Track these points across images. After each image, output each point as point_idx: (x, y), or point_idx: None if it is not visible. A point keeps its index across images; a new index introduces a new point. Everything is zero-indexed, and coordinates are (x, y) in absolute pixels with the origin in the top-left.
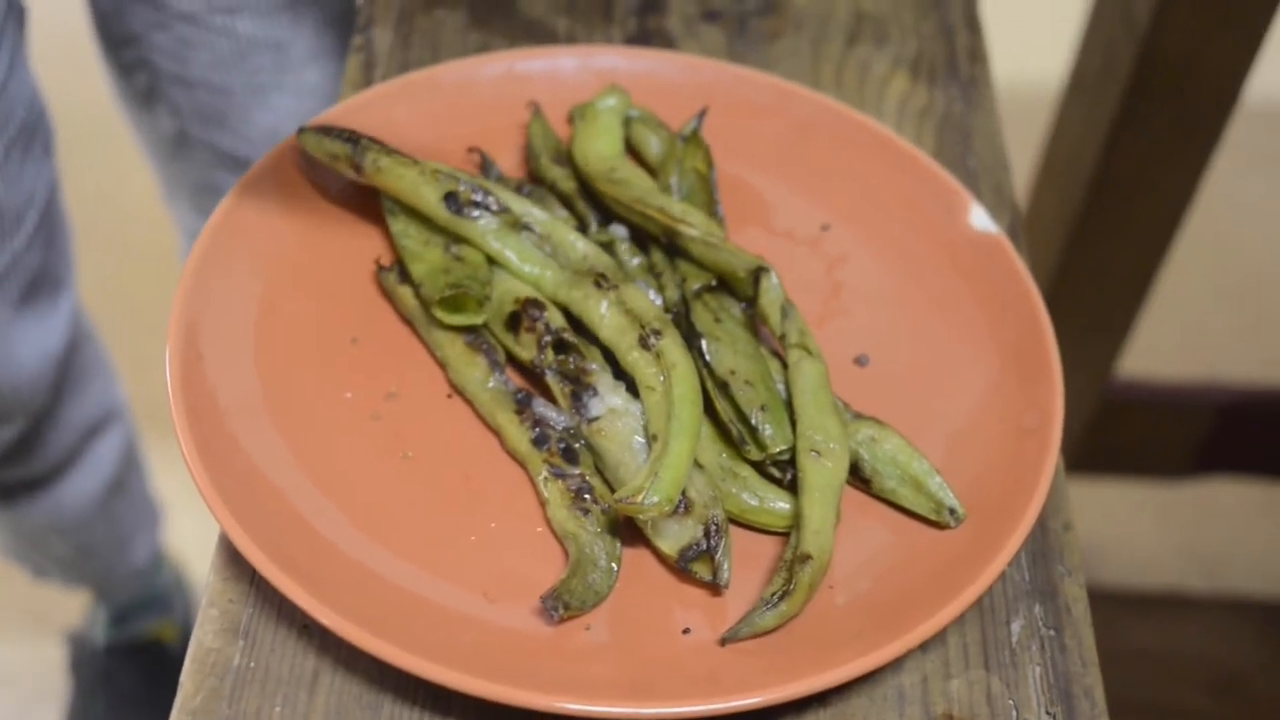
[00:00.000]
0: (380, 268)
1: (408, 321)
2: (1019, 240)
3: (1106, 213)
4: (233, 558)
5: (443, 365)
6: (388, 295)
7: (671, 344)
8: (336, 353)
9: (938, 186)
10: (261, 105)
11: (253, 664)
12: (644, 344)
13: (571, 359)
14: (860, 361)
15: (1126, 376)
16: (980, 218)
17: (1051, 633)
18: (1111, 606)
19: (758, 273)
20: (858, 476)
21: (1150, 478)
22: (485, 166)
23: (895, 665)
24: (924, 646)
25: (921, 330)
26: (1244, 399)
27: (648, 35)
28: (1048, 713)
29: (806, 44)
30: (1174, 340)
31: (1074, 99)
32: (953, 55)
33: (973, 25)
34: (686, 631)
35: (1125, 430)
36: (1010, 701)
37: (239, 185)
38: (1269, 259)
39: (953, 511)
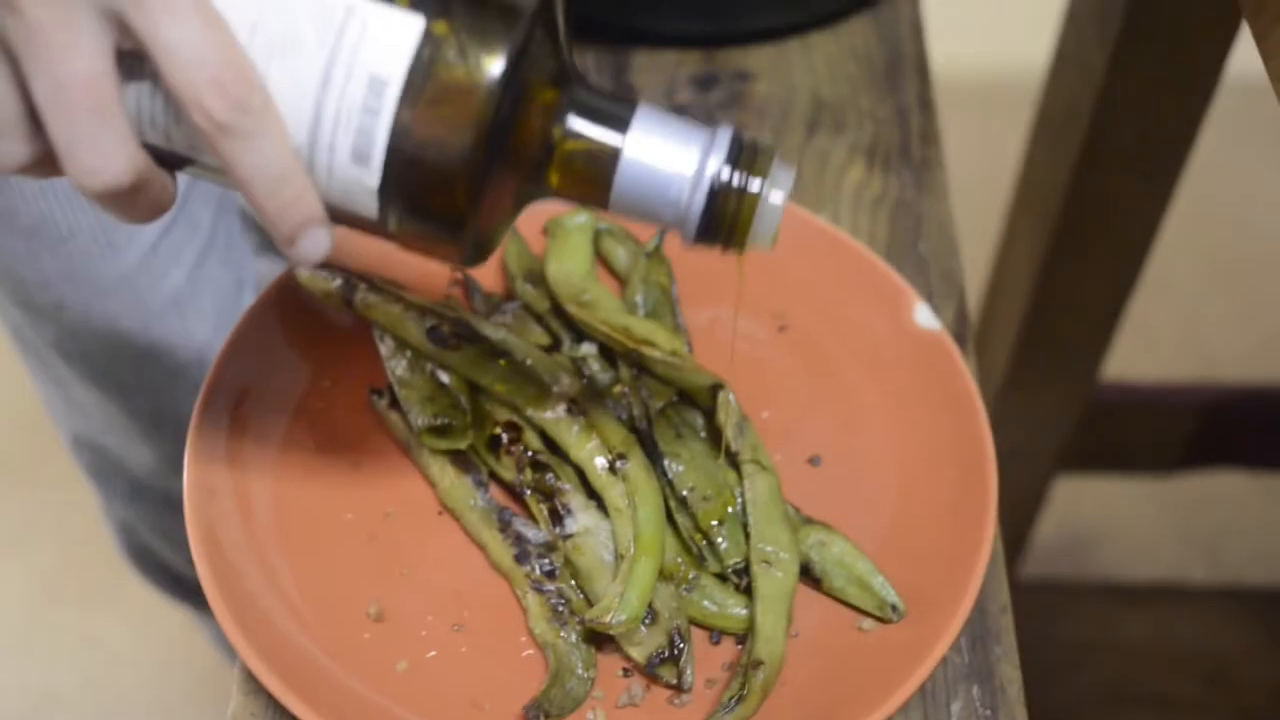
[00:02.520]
0: (373, 392)
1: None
2: (967, 326)
3: (1084, 226)
4: (253, 674)
5: (433, 485)
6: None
7: (636, 467)
8: (339, 476)
9: (885, 285)
10: None
11: None
12: (611, 469)
13: (548, 478)
14: (814, 462)
15: (1114, 379)
16: (925, 316)
17: (988, 713)
18: (1106, 598)
19: (714, 390)
20: (809, 576)
21: (1139, 475)
22: (469, 287)
23: None
24: None
25: (871, 429)
26: (1230, 397)
27: None
28: None
29: (768, 135)
30: (1170, 330)
31: (1042, 133)
32: (905, 139)
33: (925, 106)
34: None
35: (1113, 431)
36: None
37: (248, 312)
38: (1263, 245)
39: (894, 608)
